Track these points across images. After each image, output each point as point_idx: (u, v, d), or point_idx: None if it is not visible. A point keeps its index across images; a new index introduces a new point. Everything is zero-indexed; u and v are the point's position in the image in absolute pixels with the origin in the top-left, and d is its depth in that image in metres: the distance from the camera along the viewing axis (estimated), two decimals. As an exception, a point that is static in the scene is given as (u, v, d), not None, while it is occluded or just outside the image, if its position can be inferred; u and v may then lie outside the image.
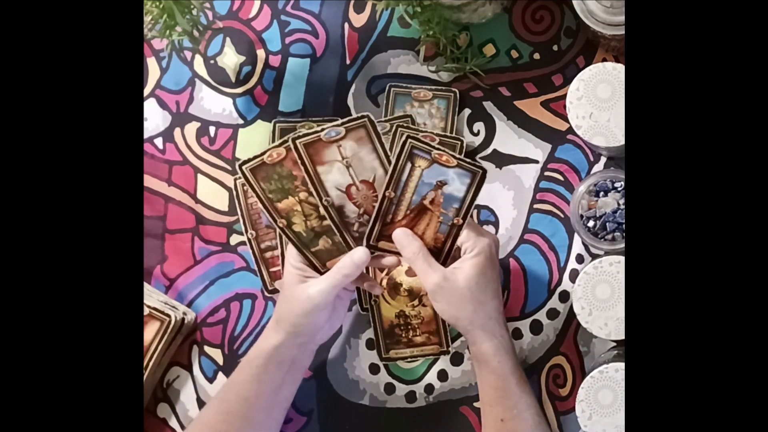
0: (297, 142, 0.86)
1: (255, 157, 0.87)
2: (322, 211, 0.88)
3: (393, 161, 0.87)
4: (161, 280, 1.02)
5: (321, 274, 0.89)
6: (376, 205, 0.87)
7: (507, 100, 1.00)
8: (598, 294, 0.89)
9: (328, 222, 0.88)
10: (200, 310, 1.02)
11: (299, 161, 0.87)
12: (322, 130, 0.87)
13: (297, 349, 0.90)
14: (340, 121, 0.87)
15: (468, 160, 0.86)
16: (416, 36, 1.00)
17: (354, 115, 0.87)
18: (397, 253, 0.89)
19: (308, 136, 0.87)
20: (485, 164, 0.99)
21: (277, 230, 0.98)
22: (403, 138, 0.86)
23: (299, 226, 0.89)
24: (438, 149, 0.86)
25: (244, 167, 0.87)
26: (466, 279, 0.86)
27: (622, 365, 0.87)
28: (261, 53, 1.03)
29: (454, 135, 0.98)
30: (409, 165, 0.87)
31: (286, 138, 0.87)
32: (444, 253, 0.88)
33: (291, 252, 0.90)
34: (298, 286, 0.88)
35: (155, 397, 1.01)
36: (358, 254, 0.88)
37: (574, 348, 0.96)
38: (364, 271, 0.92)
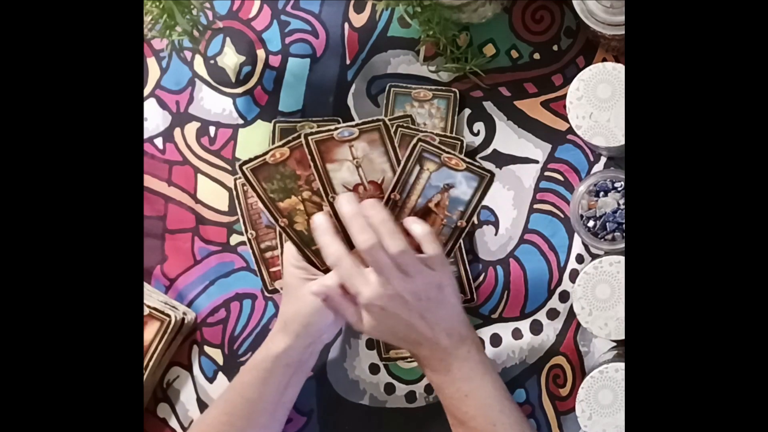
0: (309, 138, 0.87)
1: (256, 157, 0.87)
2: (326, 208, 0.88)
3: (402, 163, 0.87)
4: (161, 280, 1.02)
5: (323, 273, 0.89)
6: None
7: (507, 100, 1.00)
8: (598, 294, 0.89)
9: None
10: (200, 310, 1.02)
11: (309, 156, 0.87)
12: (336, 129, 0.87)
13: (304, 351, 0.90)
14: (354, 123, 0.88)
15: (477, 163, 0.87)
16: (416, 36, 1.00)
17: (369, 118, 0.88)
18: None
19: (321, 134, 0.87)
20: (485, 164, 0.99)
21: (278, 230, 0.98)
22: (414, 141, 0.87)
23: (301, 225, 0.89)
24: (448, 152, 0.87)
25: (244, 167, 0.87)
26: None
27: (622, 365, 0.87)
28: (261, 53, 1.03)
29: (454, 135, 0.98)
30: (417, 168, 0.87)
31: (297, 134, 0.87)
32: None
33: (290, 252, 0.90)
34: (302, 286, 0.88)
35: (155, 397, 1.01)
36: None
37: (574, 348, 0.96)
38: None
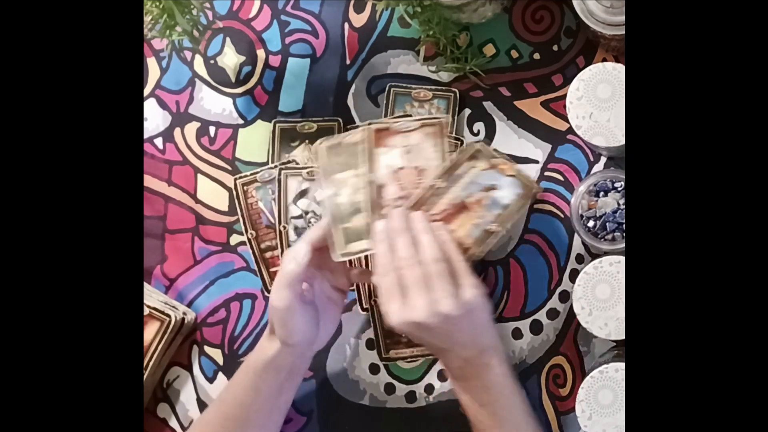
0: (371, 126, 0.89)
1: (334, 139, 0.90)
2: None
3: (455, 156, 0.88)
4: (161, 280, 1.02)
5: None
6: (418, 189, 0.88)
7: (507, 100, 1.00)
8: (598, 294, 0.89)
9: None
10: (200, 310, 1.02)
11: (361, 138, 0.89)
12: (396, 122, 0.90)
13: (293, 357, 0.90)
14: (418, 118, 0.90)
15: (526, 175, 0.87)
16: (416, 36, 1.00)
17: (433, 115, 0.90)
18: None
19: (382, 123, 0.89)
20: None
21: (277, 230, 0.98)
22: (475, 144, 0.88)
23: (344, 198, 0.89)
24: (503, 159, 0.87)
25: (321, 146, 0.90)
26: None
27: (622, 365, 0.87)
28: (261, 53, 1.03)
29: (454, 135, 0.98)
30: (468, 163, 0.88)
31: (369, 122, 0.90)
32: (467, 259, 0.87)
33: (285, 257, 0.89)
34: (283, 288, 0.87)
35: (155, 397, 1.01)
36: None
37: (574, 348, 0.96)
38: (348, 264, 0.92)
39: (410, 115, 0.99)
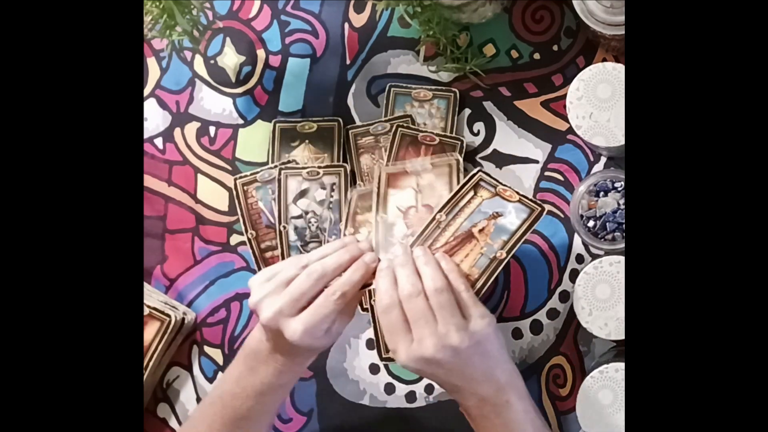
0: (383, 170, 0.91)
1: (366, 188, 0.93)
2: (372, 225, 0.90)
3: (457, 188, 0.87)
4: (161, 280, 1.02)
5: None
6: (422, 226, 0.87)
7: (507, 100, 1.00)
8: (598, 294, 0.89)
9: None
10: (200, 310, 1.02)
11: (377, 182, 0.90)
12: (409, 162, 0.91)
13: (293, 375, 0.88)
14: (430, 159, 0.91)
15: (530, 197, 0.86)
16: (416, 36, 1.00)
17: (445, 155, 0.91)
18: None
19: (397, 167, 0.91)
20: (485, 164, 0.99)
21: (278, 230, 0.98)
22: (475, 171, 0.87)
23: (362, 237, 0.91)
24: (504, 185, 0.87)
25: (354, 194, 0.93)
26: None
27: (622, 365, 0.87)
28: (261, 53, 1.03)
29: (454, 135, 0.98)
30: (471, 193, 0.87)
31: (383, 168, 0.92)
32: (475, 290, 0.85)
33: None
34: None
35: (155, 397, 1.01)
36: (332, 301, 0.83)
37: (574, 348, 0.96)
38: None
39: (410, 116, 0.99)
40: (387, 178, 0.90)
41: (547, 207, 0.86)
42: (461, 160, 0.91)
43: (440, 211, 0.86)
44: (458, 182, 0.89)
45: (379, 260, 0.86)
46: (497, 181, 0.87)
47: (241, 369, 0.87)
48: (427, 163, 0.90)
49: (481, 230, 0.86)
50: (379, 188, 0.90)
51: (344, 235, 0.92)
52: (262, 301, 0.83)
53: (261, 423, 0.89)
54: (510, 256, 0.85)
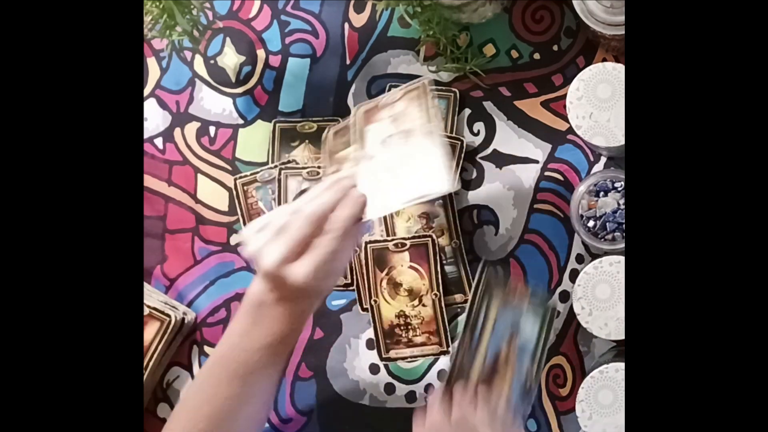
0: (359, 109, 0.90)
1: (339, 125, 0.92)
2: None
3: (471, 296, 0.88)
4: (161, 280, 1.02)
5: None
6: (455, 358, 0.88)
7: (507, 100, 1.00)
8: (598, 294, 0.89)
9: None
10: (200, 310, 1.02)
11: (353, 120, 0.90)
12: (382, 96, 0.90)
13: (299, 323, 0.86)
14: (400, 88, 0.88)
15: (538, 298, 0.88)
16: (416, 36, 1.00)
17: (413, 81, 0.88)
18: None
19: (369, 104, 0.90)
20: (485, 164, 0.99)
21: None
22: (481, 265, 0.88)
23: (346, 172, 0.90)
24: (507, 288, 0.88)
25: (329, 132, 0.92)
26: None
27: (622, 365, 0.87)
28: (261, 53, 1.03)
29: (454, 135, 0.98)
30: (484, 304, 0.88)
31: (358, 106, 0.91)
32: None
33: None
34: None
35: (155, 397, 1.01)
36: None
37: (574, 348, 0.96)
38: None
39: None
40: (363, 115, 0.89)
41: (556, 305, 0.89)
42: (427, 82, 0.87)
43: (464, 332, 0.87)
44: (428, 103, 0.86)
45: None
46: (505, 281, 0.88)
47: (244, 324, 0.84)
48: (397, 93, 0.88)
49: (504, 359, 0.87)
50: (355, 125, 0.89)
51: (325, 175, 0.91)
52: (261, 250, 0.82)
53: (269, 378, 0.85)
54: (539, 381, 0.88)
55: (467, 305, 0.88)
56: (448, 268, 0.98)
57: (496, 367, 0.86)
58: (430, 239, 0.97)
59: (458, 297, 0.98)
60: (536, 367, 0.86)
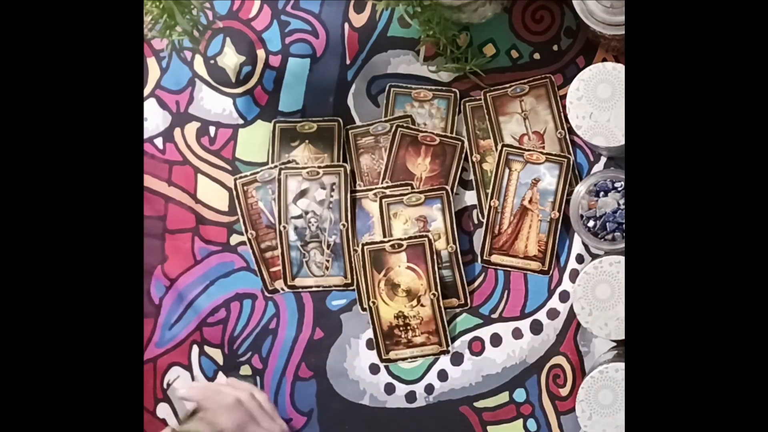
0: (488, 95, 0.98)
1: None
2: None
3: (494, 171, 0.95)
4: (161, 280, 1.02)
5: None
6: (483, 219, 0.95)
7: (507, 100, 1.00)
8: (598, 294, 0.89)
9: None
10: (200, 310, 1.02)
11: (485, 110, 0.97)
12: (510, 87, 0.97)
13: None
14: (525, 81, 0.96)
15: (553, 153, 0.94)
16: (416, 36, 1.00)
17: (538, 75, 0.97)
18: (512, 266, 0.96)
19: (497, 91, 0.98)
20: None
21: (277, 230, 0.98)
22: (500, 147, 0.95)
23: (488, 165, 0.97)
24: (528, 150, 0.95)
25: (467, 103, 0.98)
26: None
27: (622, 365, 0.87)
28: (261, 53, 1.03)
29: (454, 135, 0.98)
30: (507, 171, 0.95)
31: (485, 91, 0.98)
32: (548, 256, 0.95)
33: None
34: None
35: (155, 397, 1.01)
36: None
37: (574, 348, 0.96)
38: None
39: (410, 116, 0.99)
40: (494, 105, 0.96)
41: (570, 157, 0.94)
42: (553, 77, 0.97)
43: (491, 198, 0.94)
44: (556, 100, 0.96)
45: None
46: (521, 148, 0.95)
47: None
48: (524, 86, 0.97)
49: (530, 201, 0.94)
50: (490, 118, 0.96)
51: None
52: None
53: None
54: (562, 213, 0.94)
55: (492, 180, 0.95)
56: (444, 273, 0.98)
57: (524, 208, 0.95)
58: (426, 239, 0.97)
59: (454, 301, 0.98)
60: (557, 210, 0.96)
